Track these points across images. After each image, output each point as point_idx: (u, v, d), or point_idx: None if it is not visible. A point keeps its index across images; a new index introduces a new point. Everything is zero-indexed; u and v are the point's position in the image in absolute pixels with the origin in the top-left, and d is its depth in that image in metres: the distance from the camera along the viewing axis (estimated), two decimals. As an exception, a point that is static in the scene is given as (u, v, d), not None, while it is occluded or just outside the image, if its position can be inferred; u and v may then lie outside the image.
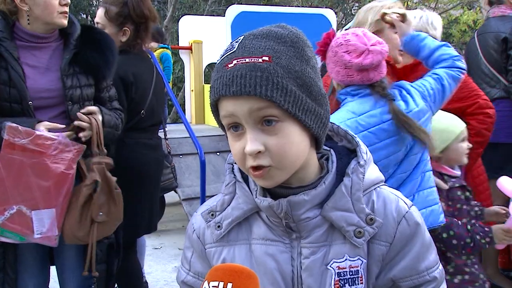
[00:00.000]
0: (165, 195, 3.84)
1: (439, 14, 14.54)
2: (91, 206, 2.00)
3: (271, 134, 0.83)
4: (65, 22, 2.07)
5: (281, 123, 0.83)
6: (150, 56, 2.89)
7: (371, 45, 1.75)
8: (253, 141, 0.83)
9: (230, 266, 0.82)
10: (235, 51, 0.84)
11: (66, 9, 2.07)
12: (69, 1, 2.08)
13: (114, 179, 2.09)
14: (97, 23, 2.55)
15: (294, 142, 0.85)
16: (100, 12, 2.57)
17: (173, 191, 4.11)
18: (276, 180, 0.87)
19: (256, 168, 0.85)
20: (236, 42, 0.86)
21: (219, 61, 0.87)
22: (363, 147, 0.96)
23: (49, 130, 1.96)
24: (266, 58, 0.82)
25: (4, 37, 1.99)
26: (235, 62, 0.83)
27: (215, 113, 0.89)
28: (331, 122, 0.96)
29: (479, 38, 3.35)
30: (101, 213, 2.04)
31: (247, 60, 0.82)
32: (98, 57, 2.12)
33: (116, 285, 2.76)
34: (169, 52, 6.21)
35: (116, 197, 2.10)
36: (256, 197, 0.92)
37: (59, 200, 1.96)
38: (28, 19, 2.03)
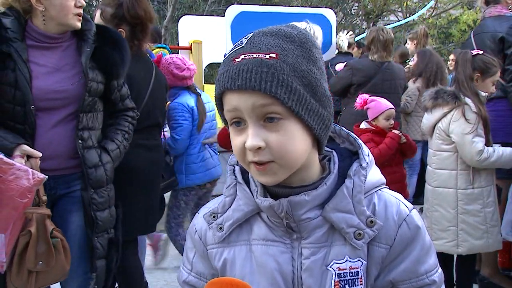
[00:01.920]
0: (165, 195, 3.84)
1: (439, 13, 14.56)
2: (27, 255, 1.92)
3: (273, 130, 0.84)
4: (78, 24, 2.07)
5: (284, 120, 0.84)
6: (149, 57, 2.88)
7: (189, 65, 3.33)
8: (254, 136, 0.83)
9: (225, 279, 0.83)
10: (243, 46, 0.85)
11: (81, 11, 2.06)
12: (84, 3, 2.08)
13: (51, 228, 1.97)
14: None
15: (295, 140, 0.85)
16: (96, 14, 2.58)
17: (173, 191, 4.10)
18: (277, 178, 0.87)
19: (258, 163, 0.85)
20: (245, 38, 0.87)
21: (227, 56, 0.88)
22: (365, 149, 0.96)
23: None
24: (273, 55, 0.82)
25: (15, 37, 1.98)
26: (242, 57, 0.84)
27: (219, 106, 0.90)
28: (333, 124, 0.96)
29: (475, 38, 3.35)
30: (40, 262, 1.94)
31: (254, 55, 0.83)
32: (117, 55, 2.12)
33: (116, 285, 2.77)
34: (166, 52, 6.21)
35: (57, 246, 1.97)
36: (257, 197, 0.93)
37: (8, 226, 1.90)
38: (43, 19, 2.02)
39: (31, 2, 2.00)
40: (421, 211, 3.78)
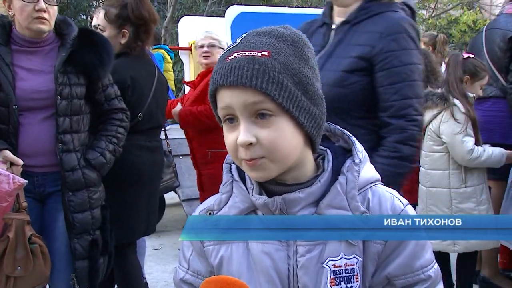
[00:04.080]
0: (165, 196, 3.85)
1: (439, 14, 14.54)
2: (5, 261, 1.93)
3: (264, 127, 0.86)
4: (42, 27, 2.06)
5: (275, 117, 0.85)
6: (151, 58, 2.88)
7: None
8: (245, 132, 0.85)
9: (222, 278, 0.83)
10: (237, 45, 0.88)
11: (43, 14, 2.04)
12: (44, 7, 2.04)
13: (30, 233, 1.98)
14: (98, 25, 2.55)
15: (286, 137, 0.87)
16: (100, 14, 2.58)
17: (173, 192, 4.11)
18: (268, 173, 0.88)
19: (249, 160, 0.87)
20: (239, 38, 0.90)
21: (221, 55, 0.90)
22: (358, 146, 0.97)
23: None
24: (265, 53, 0.85)
25: None
26: (235, 55, 0.86)
27: (213, 104, 0.91)
28: (327, 123, 0.97)
29: (486, 32, 3.30)
30: (19, 268, 1.95)
31: (246, 53, 0.85)
32: (94, 57, 2.13)
33: (116, 286, 2.77)
34: (163, 52, 6.20)
35: (35, 251, 1.98)
36: (252, 195, 0.93)
37: None
38: (14, 24, 2.08)
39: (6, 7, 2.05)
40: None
